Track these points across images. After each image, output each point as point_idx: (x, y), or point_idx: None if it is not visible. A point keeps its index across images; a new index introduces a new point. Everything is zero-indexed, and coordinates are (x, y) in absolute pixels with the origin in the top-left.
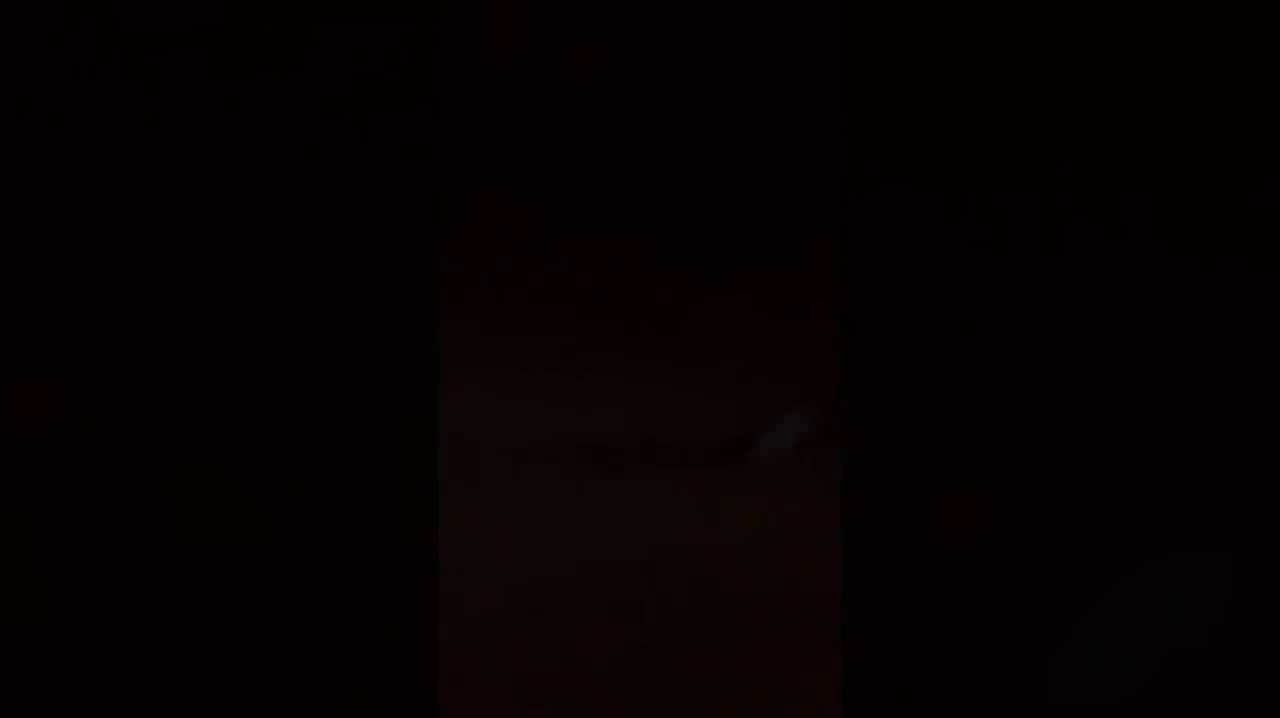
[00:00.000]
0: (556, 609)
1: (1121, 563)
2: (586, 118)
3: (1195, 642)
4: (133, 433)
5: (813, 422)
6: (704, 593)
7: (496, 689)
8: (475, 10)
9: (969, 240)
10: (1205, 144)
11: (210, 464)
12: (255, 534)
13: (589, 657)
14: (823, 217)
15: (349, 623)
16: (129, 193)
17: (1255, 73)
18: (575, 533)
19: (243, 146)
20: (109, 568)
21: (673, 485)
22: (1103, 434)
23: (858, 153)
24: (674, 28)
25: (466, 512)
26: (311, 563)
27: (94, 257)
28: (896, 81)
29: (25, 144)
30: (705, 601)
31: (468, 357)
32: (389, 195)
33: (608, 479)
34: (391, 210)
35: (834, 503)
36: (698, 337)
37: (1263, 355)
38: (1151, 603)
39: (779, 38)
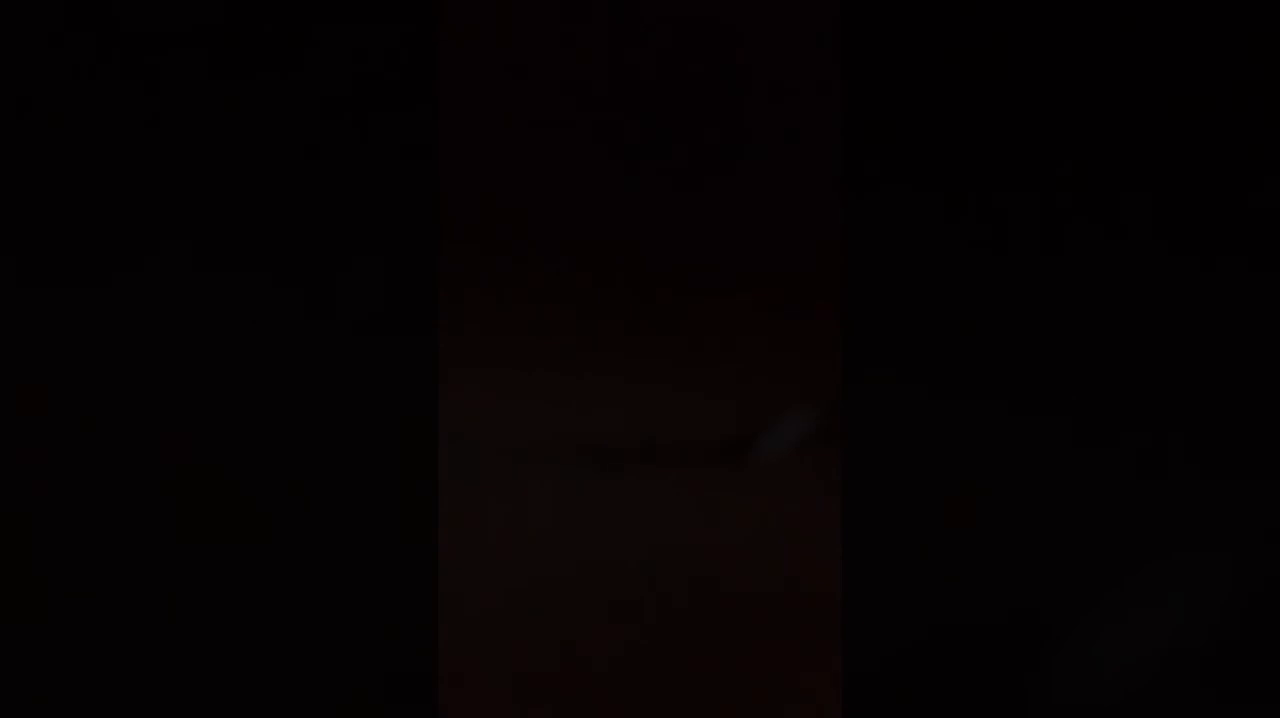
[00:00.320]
0: (556, 609)
1: (1121, 563)
2: (586, 118)
3: (1195, 642)
4: (133, 433)
5: (813, 422)
6: (704, 593)
7: (496, 689)
8: (475, 10)
9: (969, 240)
10: (1205, 144)
11: (210, 464)
12: (255, 534)
13: (589, 657)
14: (823, 217)
15: (349, 623)
16: (129, 193)
17: (1255, 73)
18: (575, 533)
19: (243, 147)
20: (109, 568)
21: (673, 485)
22: (1103, 434)
23: (858, 153)
24: (674, 28)
25: (466, 512)
26: (311, 563)
27: (94, 257)
28: (896, 81)
29: (25, 144)
30: (705, 601)
31: (468, 357)
32: (389, 195)
33: (608, 479)
34: (391, 210)
35: (834, 503)
36: (698, 337)
37: (1263, 355)
38: (1151, 603)
39: (779, 38)
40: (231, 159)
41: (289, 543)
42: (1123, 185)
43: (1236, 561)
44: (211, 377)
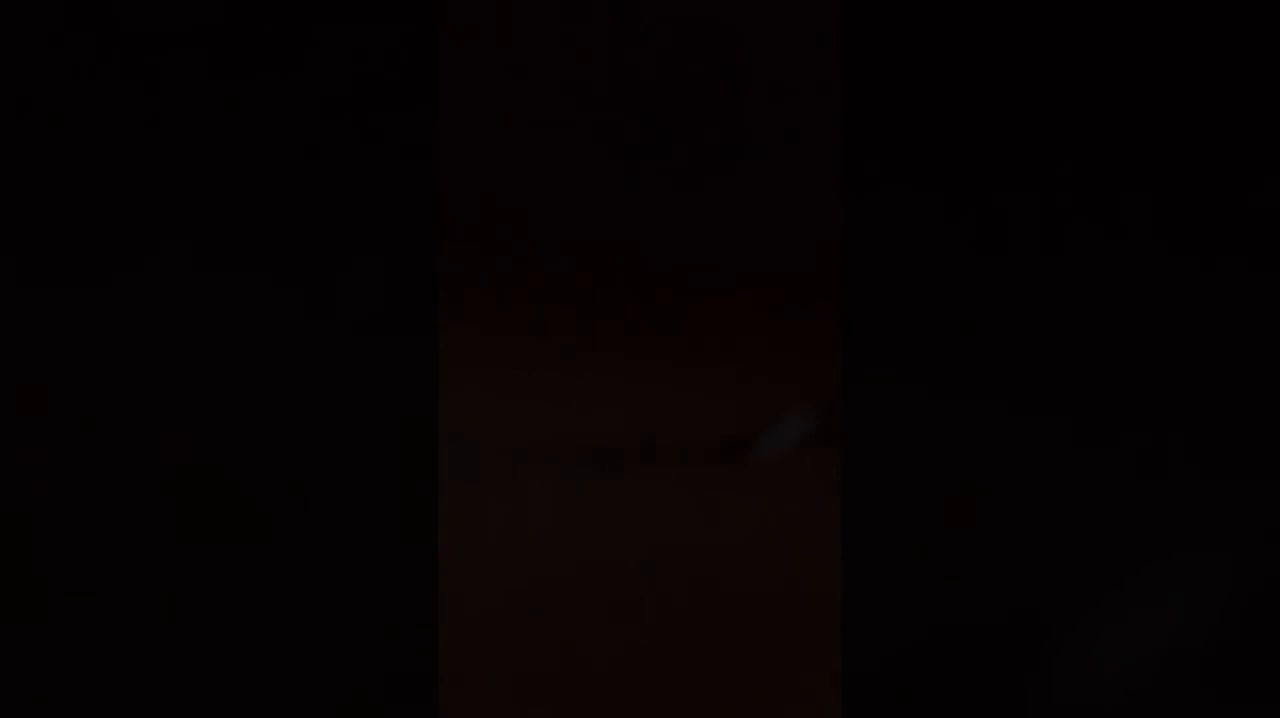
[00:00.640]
0: (556, 609)
1: (1121, 563)
2: (586, 118)
3: (1195, 642)
4: (133, 433)
5: (813, 422)
6: (704, 593)
7: (496, 689)
8: (475, 10)
9: (969, 240)
10: (1205, 144)
11: (210, 464)
12: (255, 534)
13: (589, 657)
14: (823, 217)
15: (349, 623)
16: (129, 193)
17: (1255, 73)
18: (575, 533)
19: (243, 147)
20: (109, 568)
21: (673, 485)
22: (1103, 434)
23: (858, 153)
24: (674, 28)
25: (466, 512)
26: (311, 563)
27: (94, 257)
28: (896, 81)
29: (25, 144)
30: (705, 601)
31: (468, 357)
32: (389, 195)
33: (608, 479)
34: (391, 210)
35: (834, 503)
36: (698, 337)
37: (1263, 355)
38: (1151, 603)
39: (779, 38)
40: (232, 159)
41: (289, 543)
42: (1123, 185)
43: (1236, 561)
44: (211, 377)
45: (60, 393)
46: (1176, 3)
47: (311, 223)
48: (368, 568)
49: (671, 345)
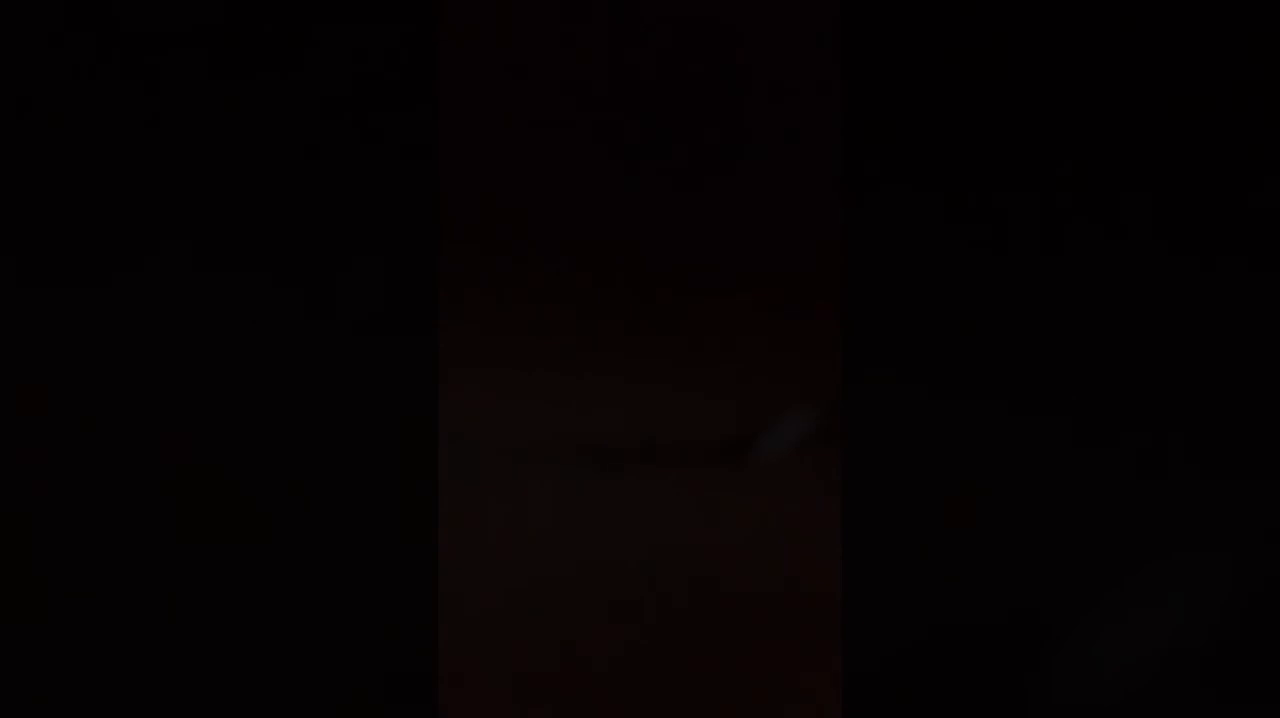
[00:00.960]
0: (556, 609)
1: (1121, 563)
2: (586, 118)
3: (1195, 642)
4: (133, 433)
5: (813, 422)
6: (704, 593)
7: (496, 689)
8: (475, 10)
9: (969, 240)
10: (1205, 144)
11: (210, 464)
12: (255, 534)
13: (589, 657)
14: (823, 217)
15: (349, 623)
16: (129, 193)
17: (1255, 73)
18: (575, 533)
19: (243, 147)
20: (109, 568)
21: (673, 485)
22: (1103, 434)
23: (858, 153)
24: (674, 28)
25: (466, 512)
26: (311, 563)
27: (94, 257)
28: (896, 81)
29: (25, 144)
30: (705, 601)
31: (468, 357)
32: (389, 195)
33: (608, 479)
34: (391, 210)
35: (834, 503)
36: (698, 337)
37: (1263, 355)
38: (1151, 603)
39: (779, 38)
40: (232, 159)
41: (289, 543)
42: (1123, 185)
43: (1236, 561)
44: (211, 377)
45: (60, 393)
46: (1176, 3)
47: (311, 223)
48: (368, 568)
49: (671, 345)
